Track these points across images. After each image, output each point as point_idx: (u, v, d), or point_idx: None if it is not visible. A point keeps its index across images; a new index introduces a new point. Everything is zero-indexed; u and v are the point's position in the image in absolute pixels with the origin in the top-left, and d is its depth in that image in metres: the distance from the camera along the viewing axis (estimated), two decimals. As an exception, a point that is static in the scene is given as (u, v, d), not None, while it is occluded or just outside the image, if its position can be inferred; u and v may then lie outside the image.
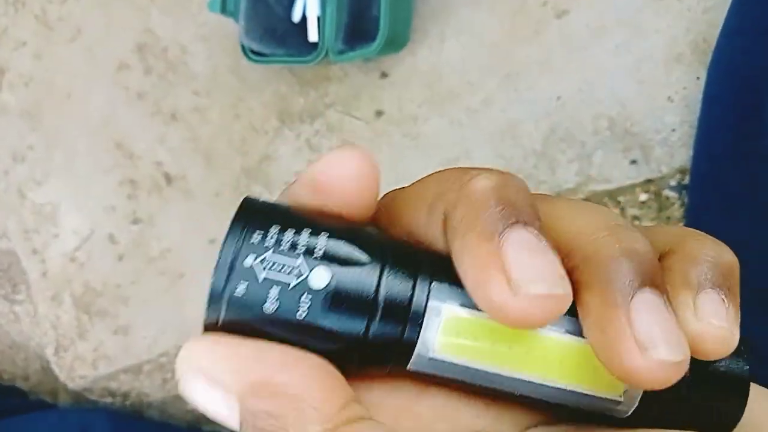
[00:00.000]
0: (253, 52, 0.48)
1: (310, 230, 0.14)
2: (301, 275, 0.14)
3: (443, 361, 0.14)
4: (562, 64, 0.45)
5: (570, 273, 0.14)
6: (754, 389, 0.16)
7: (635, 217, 0.45)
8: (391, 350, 0.14)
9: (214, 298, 0.14)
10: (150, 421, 0.62)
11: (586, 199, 0.44)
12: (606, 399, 0.15)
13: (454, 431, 0.16)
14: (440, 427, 0.16)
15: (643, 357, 0.13)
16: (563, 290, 0.13)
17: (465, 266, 0.14)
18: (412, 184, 0.16)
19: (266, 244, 0.14)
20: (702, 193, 0.43)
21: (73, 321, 0.64)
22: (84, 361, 0.64)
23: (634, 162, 0.45)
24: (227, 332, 0.14)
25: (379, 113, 0.49)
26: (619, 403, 0.15)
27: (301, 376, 0.13)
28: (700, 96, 0.43)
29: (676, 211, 0.45)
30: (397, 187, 0.17)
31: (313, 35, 0.47)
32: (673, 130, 0.44)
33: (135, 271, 0.60)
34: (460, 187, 0.14)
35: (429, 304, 0.14)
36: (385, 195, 0.16)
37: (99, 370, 0.63)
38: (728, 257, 0.15)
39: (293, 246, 0.14)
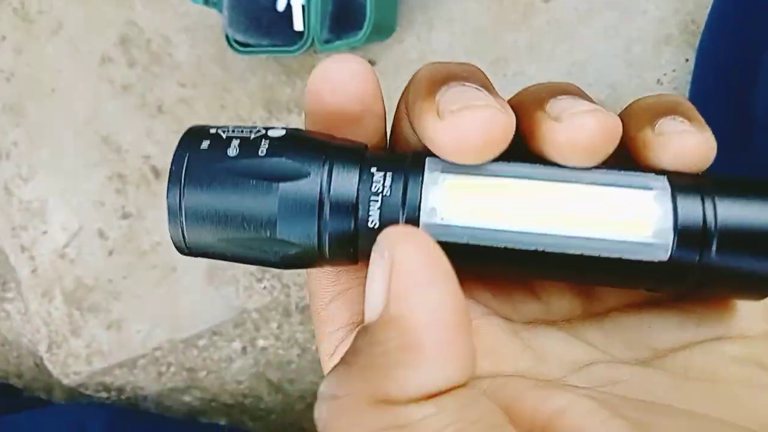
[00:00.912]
0: (237, 42, 0.48)
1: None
2: (260, 131, 0.16)
3: (450, 226, 0.15)
4: (550, 48, 0.45)
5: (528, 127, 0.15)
6: None
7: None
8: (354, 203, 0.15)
9: (177, 160, 0.15)
10: (146, 414, 0.62)
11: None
12: (637, 243, 0.15)
13: (564, 362, 0.17)
14: (489, 363, 0.17)
15: (562, 126, 0.14)
16: (485, 103, 0.14)
17: (418, 129, 0.15)
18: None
19: (223, 130, 0.16)
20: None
21: (65, 317, 0.64)
22: (77, 357, 0.64)
23: (624, 145, 0.44)
24: (191, 194, 0.15)
25: (367, 102, 0.49)
26: (651, 245, 0.15)
27: None
28: (688, 78, 0.42)
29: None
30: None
31: (298, 24, 0.46)
32: (663, 112, 0.44)
33: (126, 265, 0.60)
34: (410, 81, 0.16)
35: (426, 172, 0.15)
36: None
37: (93, 365, 0.63)
38: (671, 97, 0.16)
39: (251, 127, 0.16)
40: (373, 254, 0.14)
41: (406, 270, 0.13)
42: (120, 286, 0.61)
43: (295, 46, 0.46)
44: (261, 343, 0.59)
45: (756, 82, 0.39)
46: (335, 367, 0.14)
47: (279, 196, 0.15)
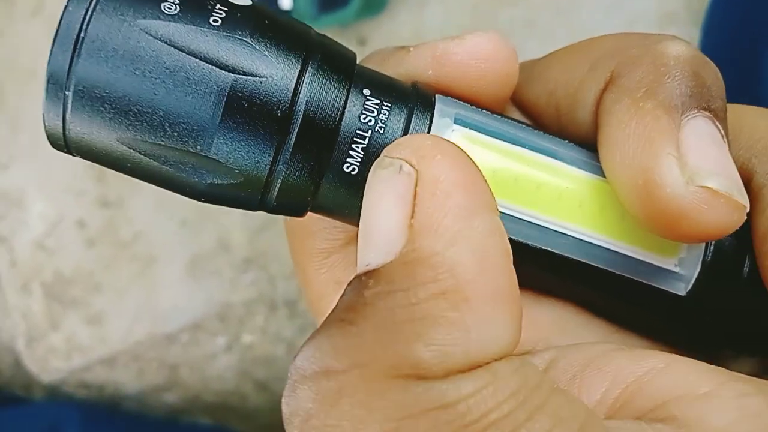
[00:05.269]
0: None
1: None
2: None
3: None
4: (549, 25, 0.43)
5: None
6: None
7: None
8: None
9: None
10: (125, 414, 0.60)
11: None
12: (659, 267, 0.13)
13: (566, 332, 0.14)
14: (556, 339, 0.14)
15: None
16: (745, 201, 0.11)
17: (627, 131, 0.12)
18: (566, 46, 0.15)
19: None
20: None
21: (44, 311, 0.62)
22: (57, 352, 0.62)
23: (626, 128, 0.43)
24: (90, 61, 0.10)
25: (357, 83, 0.47)
26: (674, 273, 0.13)
27: None
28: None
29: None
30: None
31: (285, 1, 0.44)
32: (667, 93, 0.42)
33: (107, 256, 0.58)
34: (645, 46, 0.12)
35: (436, 115, 0.12)
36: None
37: (73, 361, 0.61)
38: None
39: None
40: (377, 172, 0.10)
41: (442, 191, 0.09)
42: (100, 278, 0.59)
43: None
44: (246, 338, 0.57)
45: (763, 64, 0.37)
46: (323, 330, 0.10)
47: (228, 93, 0.11)
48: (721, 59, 0.40)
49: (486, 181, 0.10)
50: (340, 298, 0.10)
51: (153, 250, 0.57)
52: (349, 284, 0.10)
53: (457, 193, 0.09)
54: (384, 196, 0.10)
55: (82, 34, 0.10)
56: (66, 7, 0.10)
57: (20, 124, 0.59)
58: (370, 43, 0.47)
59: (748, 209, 0.11)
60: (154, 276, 0.57)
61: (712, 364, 0.12)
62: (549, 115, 0.14)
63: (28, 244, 0.61)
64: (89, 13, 0.10)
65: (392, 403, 0.09)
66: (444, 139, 0.11)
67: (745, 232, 0.13)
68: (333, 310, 0.10)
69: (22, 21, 0.56)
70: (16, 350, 0.63)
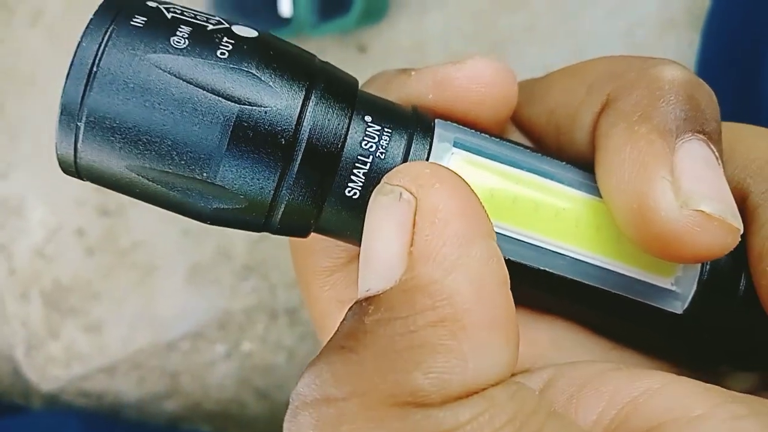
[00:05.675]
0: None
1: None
2: (221, 23, 0.11)
3: None
4: (550, 31, 0.43)
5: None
6: None
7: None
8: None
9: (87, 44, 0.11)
10: (125, 422, 0.60)
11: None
12: (655, 286, 0.13)
13: (565, 350, 0.14)
14: (555, 357, 0.14)
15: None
16: (738, 225, 0.11)
17: (623, 156, 0.12)
18: (565, 67, 0.15)
19: (168, 7, 0.11)
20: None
21: (43, 319, 0.62)
22: (56, 361, 0.62)
23: (626, 134, 0.43)
24: (102, 92, 0.11)
25: (357, 90, 0.47)
26: (670, 292, 0.13)
27: None
28: (693, 61, 0.41)
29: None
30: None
31: (286, 9, 0.44)
32: (668, 99, 0.42)
33: (106, 265, 0.58)
34: (641, 69, 0.12)
35: (435, 140, 0.12)
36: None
37: (72, 369, 0.61)
38: None
39: (208, 14, 0.12)
40: (378, 198, 0.10)
41: (441, 220, 0.10)
42: (99, 286, 0.59)
43: (282, 33, 0.44)
44: (246, 346, 0.57)
45: (765, 65, 0.37)
46: (323, 357, 0.10)
47: (234, 123, 0.11)
48: (721, 62, 0.40)
49: (483, 207, 0.10)
50: (341, 323, 0.10)
51: (153, 259, 0.57)
52: (350, 309, 0.10)
53: (455, 221, 0.10)
54: (384, 222, 0.10)
55: (94, 68, 0.11)
56: (80, 42, 0.11)
57: (19, 132, 0.58)
58: (371, 51, 0.46)
59: (741, 232, 0.12)
60: (154, 284, 0.57)
61: (710, 380, 0.12)
62: (549, 135, 0.15)
63: (27, 252, 0.61)
64: (102, 48, 0.11)
65: (391, 430, 0.09)
66: (442, 166, 0.11)
67: (741, 251, 0.13)
68: (334, 336, 0.10)
69: (21, 29, 0.56)
70: (15, 359, 0.63)
